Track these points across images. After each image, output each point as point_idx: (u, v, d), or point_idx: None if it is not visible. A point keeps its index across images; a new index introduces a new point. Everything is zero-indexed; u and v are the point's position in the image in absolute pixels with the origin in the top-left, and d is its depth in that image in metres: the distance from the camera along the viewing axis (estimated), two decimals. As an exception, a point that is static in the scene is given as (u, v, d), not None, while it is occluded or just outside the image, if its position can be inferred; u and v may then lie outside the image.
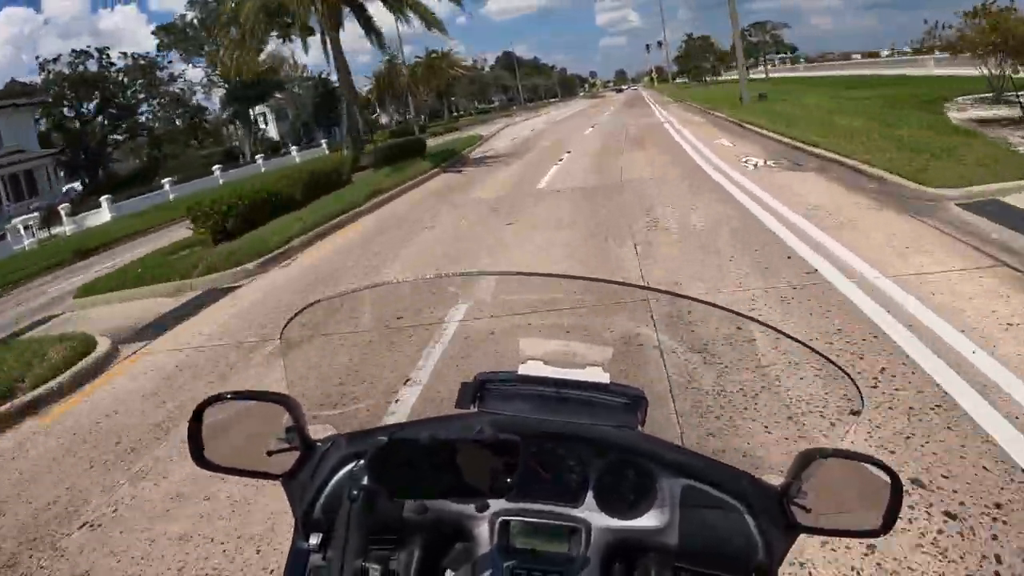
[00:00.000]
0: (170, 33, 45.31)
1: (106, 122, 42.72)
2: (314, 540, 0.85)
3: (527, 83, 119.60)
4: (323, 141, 44.99)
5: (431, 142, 29.19)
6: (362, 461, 0.79)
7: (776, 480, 0.85)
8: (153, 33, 46.34)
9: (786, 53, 60.48)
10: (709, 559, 0.83)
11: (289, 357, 1.16)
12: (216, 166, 32.45)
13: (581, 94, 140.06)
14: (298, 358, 1.20)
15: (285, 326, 1.10)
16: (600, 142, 18.51)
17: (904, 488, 0.80)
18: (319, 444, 0.93)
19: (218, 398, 0.90)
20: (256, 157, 37.32)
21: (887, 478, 0.78)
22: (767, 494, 0.84)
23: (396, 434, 0.76)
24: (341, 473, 0.89)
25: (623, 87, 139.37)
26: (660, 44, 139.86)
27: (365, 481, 0.75)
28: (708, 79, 70.73)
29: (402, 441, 0.74)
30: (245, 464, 0.91)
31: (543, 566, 0.80)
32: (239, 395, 0.91)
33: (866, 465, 0.80)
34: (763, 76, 56.49)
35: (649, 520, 0.84)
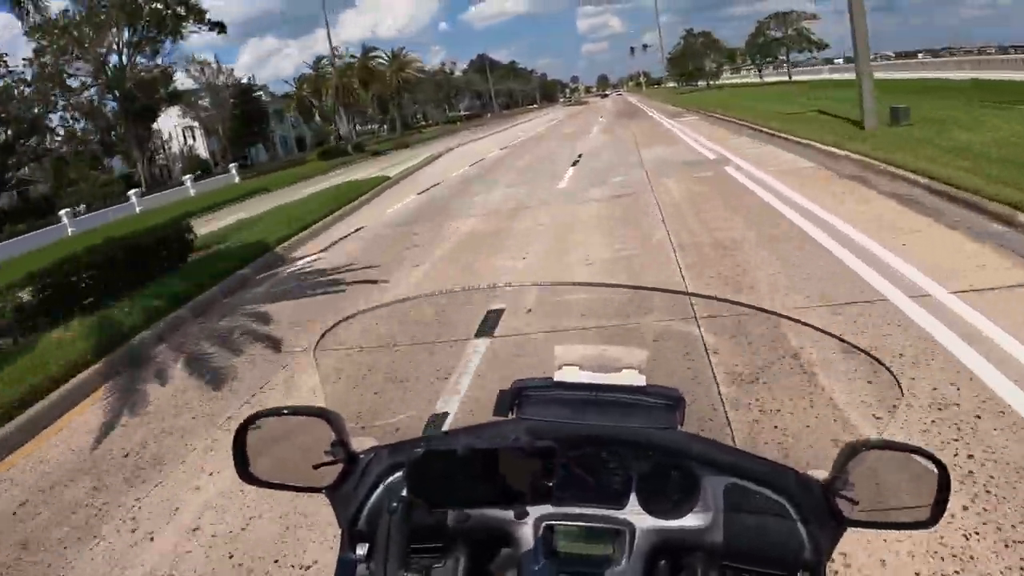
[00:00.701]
0: (47, 34, 33.05)
1: (5, 141, 32.74)
2: (361, 551, 0.85)
3: (503, 88, 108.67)
4: (231, 166, 35.91)
5: (332, 181, 18.03)
6: (400, 472, 0.81)
7: (821, 474, 0.83)
8: (26, 34, 34.11)
9: (812, 51, 49.38)
10: (756, 557, 0.81)
11: (324, 372, 1.14)
12: (64, 210, 24.06)
13: (561, 100, 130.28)
14: (334, 372, 1.11)
15: (318, 342, 1.06)
16: (606, 263, 7.13)
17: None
18: (362, 456, 0.92)
19: (260, 415, 0.90)
20: (130, 193, 28.36)
21: (934, 468, 0.77)
22: (812, 489, 0.82)
23: (432, 445, 0.75)
24: (383, 484, 0.89)
25: (607, 92, 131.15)
26: (645, 47, 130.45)
27: (404, 492, 0.75)
28: (709, 82, 60.04)
29: (438, 452, 0.73)
30: (289, 478, 0.91)
31: (588, 568, 0.80)
32: (281, 411, 0.91)
33: (912, 455, 0.79)
34: (786, 79, 45.73)
35: (694, 519, 0.82)
